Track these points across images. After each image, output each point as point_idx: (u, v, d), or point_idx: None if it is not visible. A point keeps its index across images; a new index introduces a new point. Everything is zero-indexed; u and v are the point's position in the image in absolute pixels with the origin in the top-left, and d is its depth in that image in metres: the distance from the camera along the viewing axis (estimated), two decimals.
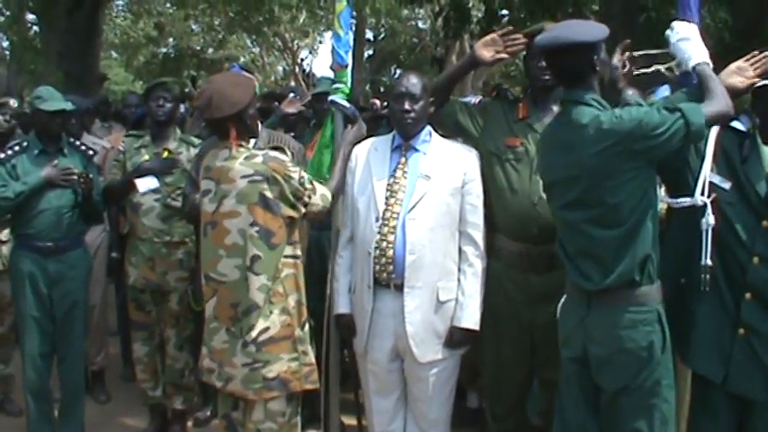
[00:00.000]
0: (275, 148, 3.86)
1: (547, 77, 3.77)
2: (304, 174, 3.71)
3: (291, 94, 6.10)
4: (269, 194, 3.59)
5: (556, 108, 3.72)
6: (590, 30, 3.28)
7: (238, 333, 3.64)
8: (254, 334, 3.60)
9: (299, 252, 3.80)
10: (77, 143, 5.15)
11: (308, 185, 3.69)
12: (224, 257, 3.66)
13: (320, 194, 3.75)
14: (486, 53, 3.95)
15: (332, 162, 4.23)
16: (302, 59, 32.24)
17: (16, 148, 4.90)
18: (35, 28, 16.90)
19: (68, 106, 4.93)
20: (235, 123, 3.63)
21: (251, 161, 3.61)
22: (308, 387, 3.77)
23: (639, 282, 3.23)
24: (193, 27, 28.27)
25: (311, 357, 3.79)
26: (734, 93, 3.34)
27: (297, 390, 3.72)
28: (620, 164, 3.14)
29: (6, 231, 5.29)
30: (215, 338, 3.71)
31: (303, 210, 3.70)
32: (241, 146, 3.68)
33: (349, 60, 4.46)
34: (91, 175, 4.86)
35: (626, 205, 3.17)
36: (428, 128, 3.97)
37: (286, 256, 3.69)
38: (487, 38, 3.99)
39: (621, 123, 3.12)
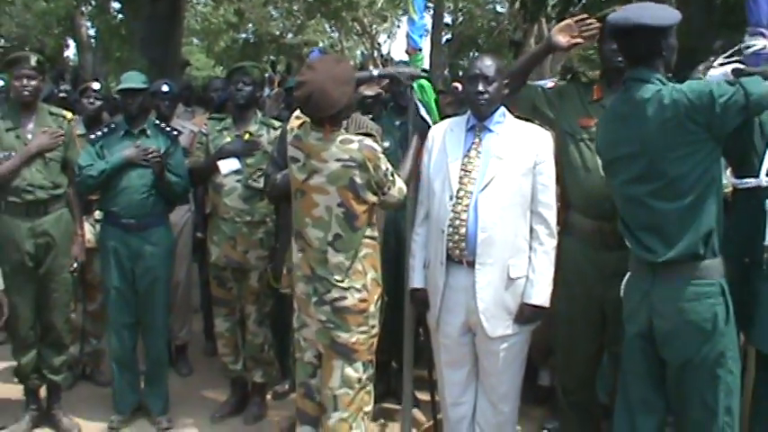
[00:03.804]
0: (367, 135, 3.96)
1: (620, 59, 3.77)
2: (389, 165, 3.81)
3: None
4: (358, 180, 3.70)
5: None
6: (660, 14, 3.28)
7: (312, 292, 3.83)
8: (328, 298, 3.79)
9: (376, 233, 3.94)
10: (162, 125, 5.36)
11: (391, 177, 3.80)
12: (310, 226, 3.81)
13: (398, 188, 3.87)
14: (561, 38, 4.00)
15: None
16: (380, 44, 32.31)
17: (105, 129, 5.19)
18: (120, 16, 17.26)
19: (136, 85, 5.15)
20: (331, 118, 3.71)
21: (347, 146, 3.71)
22: (370, 357, 3.93)
23: (703, 255, 3.24)
24: (273, 12, 28.45)
25: (377, 329, 3.93)
26: None
27: (361, 359, 3.87)
28: (681, 136, 3.16)
29: (98, 211, 5.53)
30: (299, 285, 3.92)
31: (381, 198, 3.82)
32: (335, 129, 3.76)
33: (424, 44, 4.52)
34: (169, 156, 5.11)
35: (687, 179, 3.19)
36: (502, 109, 4.01)
37: (366, 237, 3.83)
38: (563, 23, 4.05)
39: (682, 96, 3.15)
